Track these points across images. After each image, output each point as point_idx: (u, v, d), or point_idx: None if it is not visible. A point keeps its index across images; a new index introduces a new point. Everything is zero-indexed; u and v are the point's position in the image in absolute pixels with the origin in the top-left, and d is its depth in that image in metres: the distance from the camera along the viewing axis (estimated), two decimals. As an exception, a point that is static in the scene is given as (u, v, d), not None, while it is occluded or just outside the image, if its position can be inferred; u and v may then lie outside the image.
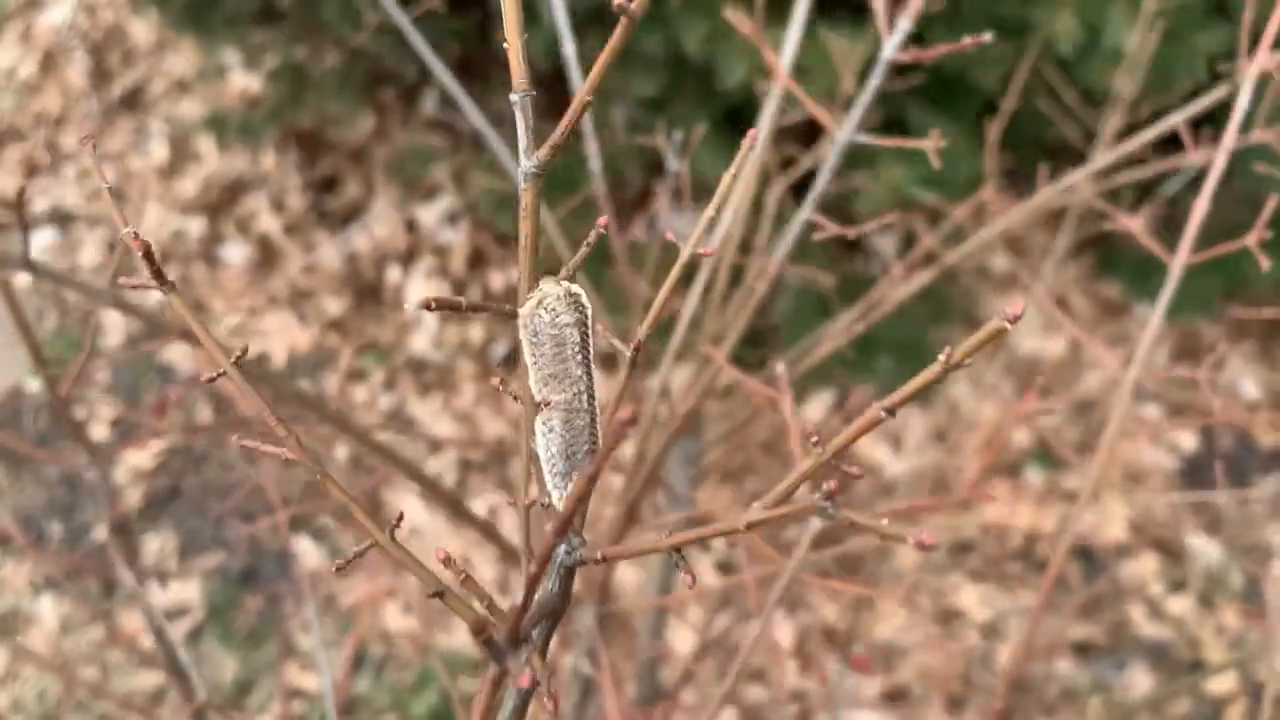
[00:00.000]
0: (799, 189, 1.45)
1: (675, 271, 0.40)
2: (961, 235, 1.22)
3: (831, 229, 0.78)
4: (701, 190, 1.36)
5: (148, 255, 0.36)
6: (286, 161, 2.73)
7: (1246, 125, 0.88)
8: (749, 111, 1.84)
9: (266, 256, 2.67)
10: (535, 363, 0.38)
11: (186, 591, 2.28)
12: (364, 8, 1.76)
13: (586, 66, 1.23)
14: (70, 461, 1.21)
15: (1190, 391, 2.29)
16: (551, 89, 2.05)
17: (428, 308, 0.36)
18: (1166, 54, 1.35)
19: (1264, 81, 0.86)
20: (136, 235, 0.36)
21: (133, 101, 2.89)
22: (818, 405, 2.43)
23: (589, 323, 0.38)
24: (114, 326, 2.58)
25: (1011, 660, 0.87)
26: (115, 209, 0.36)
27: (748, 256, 1.12)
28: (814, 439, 0.32)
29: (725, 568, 2.31)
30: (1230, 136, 0.84)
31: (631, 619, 1.95)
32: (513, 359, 2.55)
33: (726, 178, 0.41)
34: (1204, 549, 2.31)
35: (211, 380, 0.38)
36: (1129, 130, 1.19)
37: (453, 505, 0.93)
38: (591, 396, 0.38)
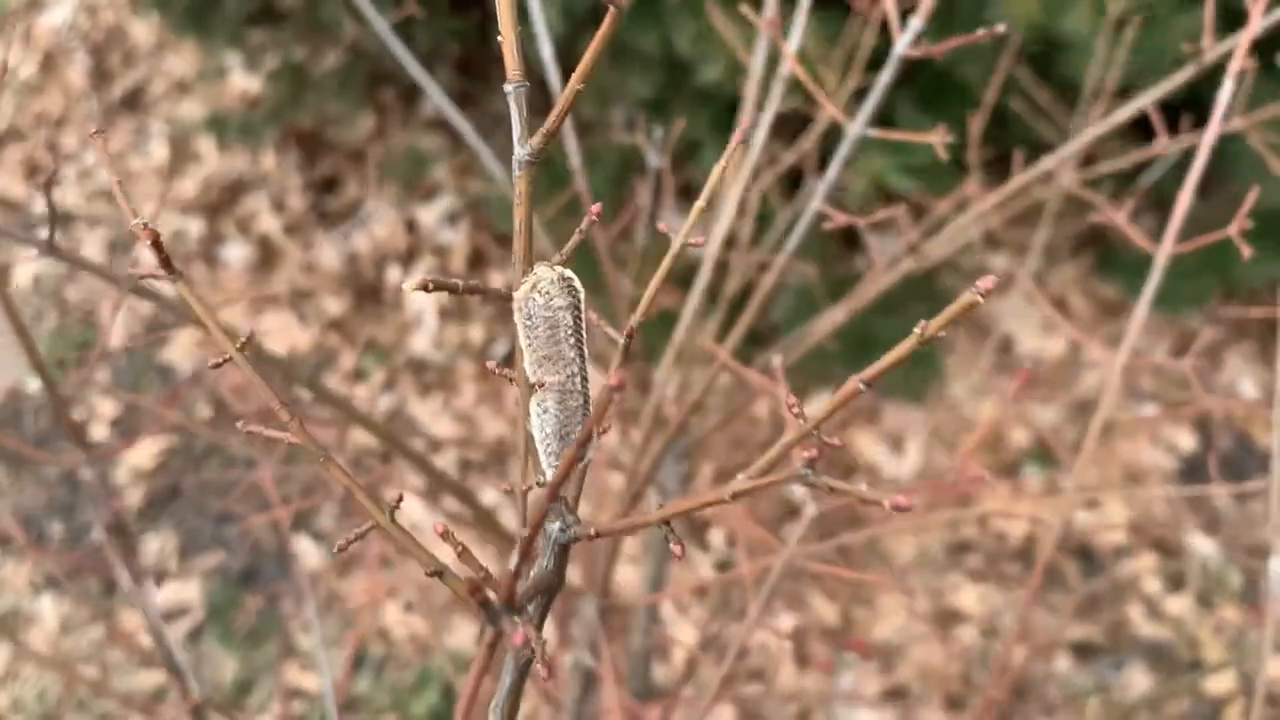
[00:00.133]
0: (785, 183, 1.46)
1: (667, 260, 0.40)
2: (944, 226, 1.22)
3: (840, 219, 0.79)
4: (698, 193, 1.37)
5: (156, 244, 0.37)
6: (286, 162, 2.74)
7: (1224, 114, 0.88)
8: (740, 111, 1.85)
9: (266, 256, 2.68)
10: (529, 345, 0.39)
11: (186, 591, 2.29)
12: (343, 13, 1.77)
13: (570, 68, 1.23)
14: (70, 461, 1.22)
15: (1188, 390, 2.30)
16: (545, 88, 2.06)
17: (425, 289, 0.36)
18: (1143, 41, 1.35)
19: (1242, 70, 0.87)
20: (146, 225, 0.37)
21: (133, 102, 2.90)
22: (817, 406, 2.44)
23: (582, 306, 0.39)
24: (114, 327, 2.59)
25: (1004, 649, 0.88)
26: (123, 200, 0.37)
27: (733, 251, 1.13)
28: (797, 411, 0.33)
29: (724, 568, 2.31)
30: (1214, 127, 0.85)
31: (628, 616, 1.96)
32: (513, 359, 2.56)
33: (716, 170, 0.42)
34: (1203, 548, 2.32)
35: (218, 366, 0.39)
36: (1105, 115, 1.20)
37: (455, 490, 0.94)
38: (585, 378, 0.39)
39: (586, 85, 0.36)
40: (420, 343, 2.56)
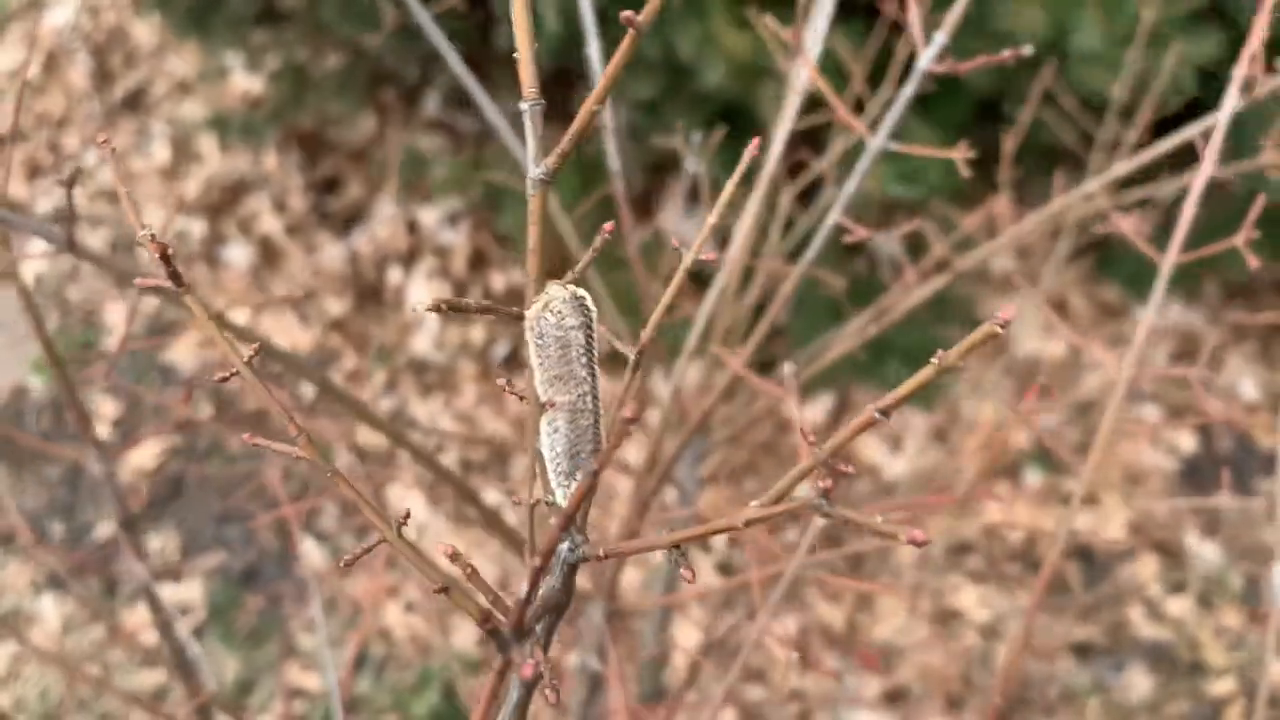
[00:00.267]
0: (803, 195, 1.46)
1: (678, 277, 0.40)
2: (970, 243, 1.23)
3: (860, 232, 0.79)
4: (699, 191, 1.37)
5: (164, 257, 0.37)
6: (288, 162, 2.74)
7: (1246, 138, 0.88)
8: (741, 114, 1.85)
9: (268, 257, 2.68)
10: (541, 364, 0.39)
11: (188, 591, 2.29)
12: (379, 7, 1.77)
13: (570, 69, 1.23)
14: (76, 457, 1.22)
15: (1190, 392, 2.30)
16: (551, 90, 2.06)
17: (438, 310, 0.36)
18: (1155, 58, 1.36)
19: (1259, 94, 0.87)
20: (153, 237, 0.37)
21: (135, 103, 2.90)
22: (818, 408, 2.44)
23: (594, 325, 0.39)
24: (116, 326, 2.59)
25: (1008, 657, 0.87)
26: (131, 210, 0.37)
27: (757, 258, 1.13)
28: (811, 439, 0.33)
29: (725, 569, 2.31)
30: (1214, 153, 0.85)
31: (633, 620, 1.96)
32: (513, 360, 2.56)
33: (730, 184, 0.42)
34: (1203, 550, 2.32)
35: (225, 380, 0.39)
36: (1139, 141, 1.20)
37: (462, 491, 0.94)
38: (596, 397, 0.39)
39: (601, 105, 0.36)
40: (421, 343, 2.56)
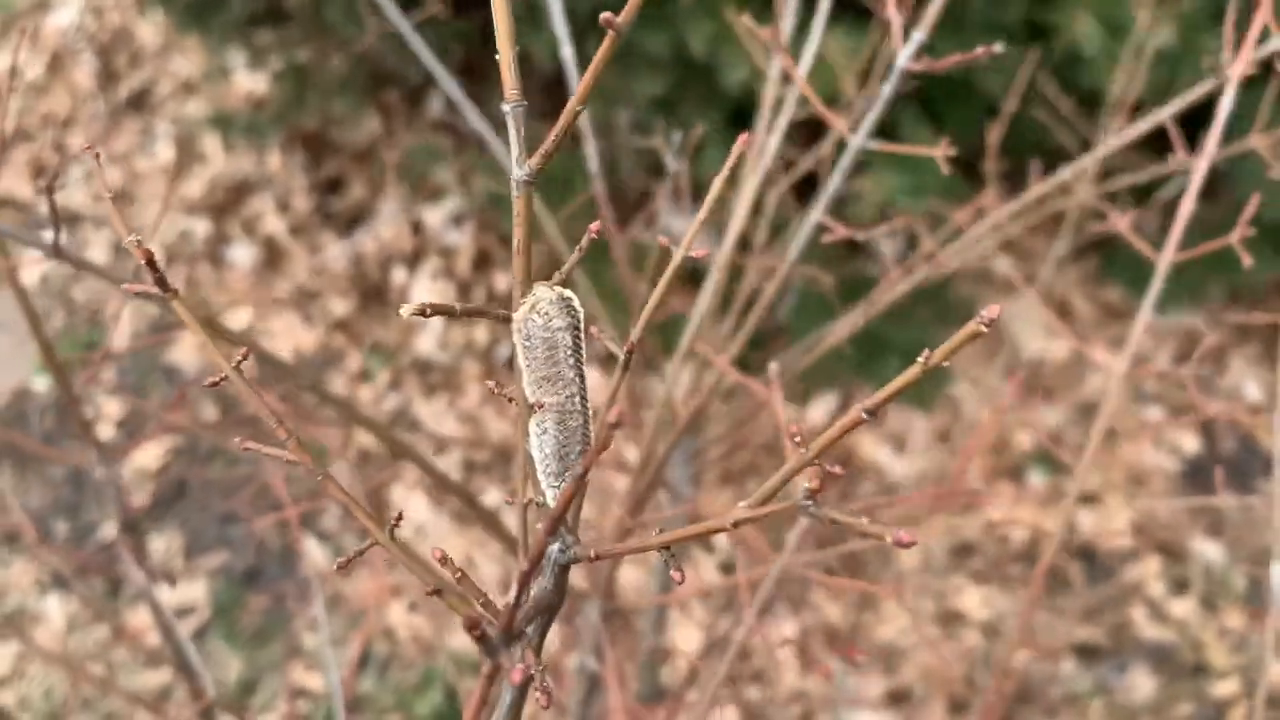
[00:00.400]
0: (800, 188, 1.46)
1: (667, 275, 0.40)
2: (959, 237, 1.22)
3: (840, 231, 0.79)
4: (706, 192, 1.37)
5: (150, 263, 0.37)
6: (292, 163, 2.75)
7: (1242, 128, 0.88)
8: (755, 112, 1.85)
9: (272, 257, 2.68)
10: (529, 365, 0.39)
11: (192, 591, 2.30)
12: (367, 12, 1.77)
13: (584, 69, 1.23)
14: (78, 459, 1.23)
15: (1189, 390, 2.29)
16: (553, 91, 2.06)
17: (423, 314, 0.36)
18: (1173, 54, 1.35)
19: (1257, 82, 0.87)
20: (139, 243, 0.37)
21: (139, 103, 2.91)
22: (822, 408, 2.44)
23: (581, 326, 0.39)
24: (120, 326, 2.60)
25: (1006, 650, 0.88)
26: (116, 216, 0.37)
27: (747, 254, 1.12)
28: (798, 438, 0.33)
29: (729, 569, 2.31)
30: (1214, 140, 0.85)
31: (634, 619, 1.96)
32: (516, 360, 2.56)
33: (718, 181, 0.42)
34: (1206, 551, 2.32)
35: (215, 384, 0.39)
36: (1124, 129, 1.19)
37: (460, 495, 0.94)
38: (584, 398, 0.39)
39: (585, 104, 0.36)
40: (425, 343, 2.56)
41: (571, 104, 0.36)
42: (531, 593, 0.37)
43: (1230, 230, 0.87)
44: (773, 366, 0.72)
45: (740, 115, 1.96)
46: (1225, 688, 2.15)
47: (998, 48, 0.77)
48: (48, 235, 0.87)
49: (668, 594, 1.27)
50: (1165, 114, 0.92)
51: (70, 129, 2.89)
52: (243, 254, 2.67)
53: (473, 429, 2.47)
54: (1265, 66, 0.86)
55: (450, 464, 2.41)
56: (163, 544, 2.34)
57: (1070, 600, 2.27)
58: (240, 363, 0.39)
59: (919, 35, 0.83)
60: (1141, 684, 2.18)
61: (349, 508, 0.37)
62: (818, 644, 2.18)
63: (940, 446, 2.42)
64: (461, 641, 2.23)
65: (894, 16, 0.81)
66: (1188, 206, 0.84)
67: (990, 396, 2.42)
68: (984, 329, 0.30)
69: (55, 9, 3.01)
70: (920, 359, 0.32)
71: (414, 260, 2.65)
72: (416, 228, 2.67)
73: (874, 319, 1.21)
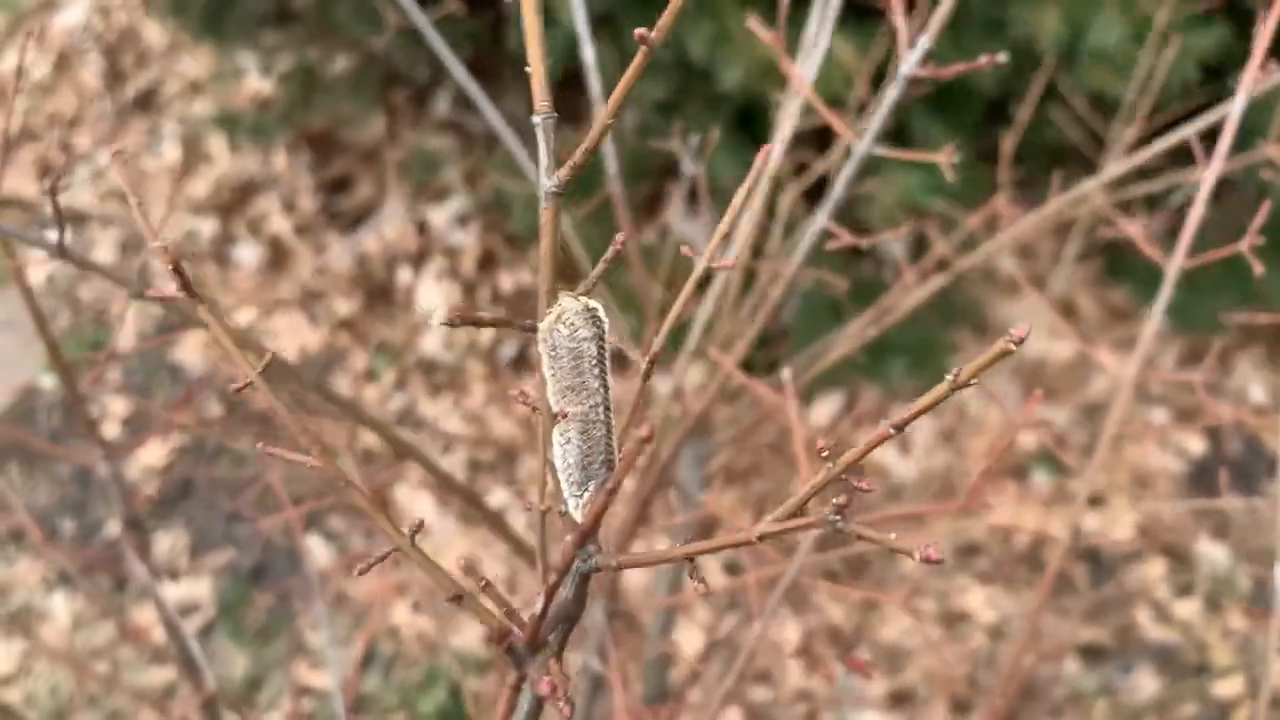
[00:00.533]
0: (810, 192, 1.47)
1: (690, 284, 0.41)
2: (973, 242, 1.23)
3: (846, 238, 0.79)
4: (714, 193, 1.38)
5: (178, 270, 0.37)
6: (298, 163, 2.75)
7: (1253, 137, 0.88)
8: (759, 115, 1.85)
9: (277, 257, 2.68)
10: (553, 375, 0.39)
11: (197, 589, 2.30)
12: (383, 9, 1.78)
13: (603, 74, 1.24)
14: (84, 458, 1.23)
15: (1198, 397, 2.30)
16: (560, 93, 2.06)
17: (454, 324, 0.37)
18: (1164, 56, 1.35)
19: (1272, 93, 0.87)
20: (166, 249, 0.37)
21: (146, 103, 2.91)
22: (826, 408, 2.44)
23: (606, 337, 0.40)
24: (126, 326, 2.60)
25: (1011, 656, 0.88)
26: (143, 221, 0.37)
27: (759, 260, 1.13)
28: (824, 453, 0.33)
29: (733, 569, 2.32)
30: (1224, 147, 0.85)
31: (639, 621, 1.96)
32: (521, 360, 2.56)
33: (740, 193, 0.42)
34: (1211, 553, 2.32)
35: (239, 390, 0.39)
36: (1140, 139, 1.20)
37: (465, 496, 0.95)
38: (608, 409, 0.40)
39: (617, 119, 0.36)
40: (430, 343, 2.56)
41: (602, 118, 0.37)
42: (553, 605, 0.37)
43: (1238, 235, 0.87)
44: (785, 372, 0.72)
45: (744, 117, 1.96)
46: (1229, 689, 2.16)
47: (1001, 57, 0.77)
48: (53, 235, 0.87)
49: (675, 595, 1.28)
50: (1191, 129, 0.92)
51: (77, 129, 2.90)
52: (248, 254, 2.67)
53: (478, 429, 2.47)
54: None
55: (455, 463, 2.41)
56: (168, 542, 2.35)
57: (1075, 601, 2.27)
58: (264, 369, 0.39)
59: (924, 42, 0.83)
60: (1145, 684, 2.19)
61: (370, 513, 0.37)
62: (821, 645, 2.18)
63: (945, 447, 2.42)
64: (465, 640, 2.24)
65: (900, 25, 0.81)
66: (1197, 213, 0.84)
67: (995, 397, 2.42)
68: (1013, 348, 0.31)
69: (62, 9, 3.01)
70: (949, 376, 0.33)
71: (419, 260, 2.66)
72: (422, 228, 2.68)
73: (876, 322, 1.21)
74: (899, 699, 2.19)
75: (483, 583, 0.33)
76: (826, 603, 2.26)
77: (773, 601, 0.74)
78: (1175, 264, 0.86)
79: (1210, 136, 0.93)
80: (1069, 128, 1.54)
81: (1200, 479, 2.40)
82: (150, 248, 0.37)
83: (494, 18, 2.15)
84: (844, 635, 2.23)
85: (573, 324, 0.39)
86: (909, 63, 0.83)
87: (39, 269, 2.67)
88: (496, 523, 1.01)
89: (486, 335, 2.58)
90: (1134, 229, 0.86)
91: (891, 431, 0.34)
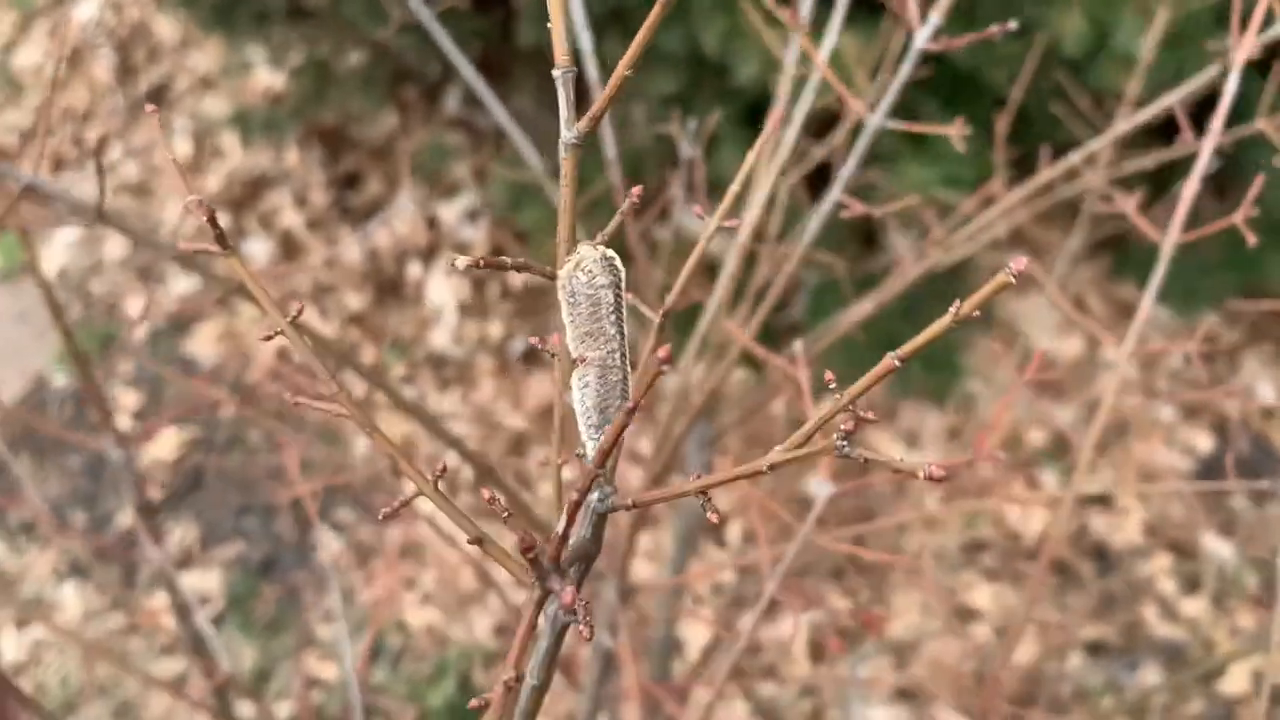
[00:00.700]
0: (814, 182, 1.48)
1: (702, 242, 0.42)
2: (969, 224, 1.24)
3: (858, 208, 0.81)
4: (719, 188, 1.39)
5: (212, 220, 0.38)
6: (309, 158, 2.77)
7: (1248, 113, 0.89)
8: (767, 108, 1.86)
9: (289, 251, 2.70)
10: (572, 321, 0.41)
11: (207, 581, 2.32)
12: (389, 4, 1.79)
13: (606, 65, 1.25)
14: (97, 446, 1.24)
15: (1204, 389, 2.30)
16: (581, 80, 2.07)
17: (477, 266, 0.38)
18: (1175, 57, 1.36)
19: (1262, 67, 0.88)
20: (201, 201, 0.38)
21: (158, 98, 2.93)
22: (830, 406, 2.45)
23: (623, 285, 0.41)
24: (137, 319, 2.62)
25: (1010, 638, 0.89)
26: (182, 174, 0.38)
27: (761, 244, 1.14)
28: (832, 384, 0.35)
29: (743, 570, 2.33)
30: (1219, 121, 0.86)
31: (647, 613, 1.97)
32: (531, 355, 2.58)
33: (751, 155, 0.43)
34: (1219, 550, 2.32)
35: (269, 339, 0.40)
36: (1145, 131, 1.20)
37: (481, 468, 0.96)
38: (624, 354, 0.41)
39: (634, 72, 0.38)
40: (440, 338, 2.58)
41: (621, 66, 0.38)
42: (570, 543, 0.38)
43: (1242, 226, 0.88)
44: (796, 344, 0.73)
45: (754, 112, 1.97)
46: (1235, 686, 2.16)
47: (1012, 24, 0.79)
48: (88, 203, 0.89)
49: (683, 575, 1.29)
50: (1173, 98, 0.93)
51: (89, 123, 2.92)
52: (260, 248, 2.69)
53: (486, 423, 2.49)
54: (1270, 51, 0.87)
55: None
56: (178, 535, 2.36)
57: (1081, 598, 2.28)
58: (296, 317, 0.40)
59: (935, 17, 0.84)
60: (1152, 681, 2.19)
61: (395, 455, 0.39)
62: (830, 639, 2.19)
63: (953, 443, 2.43)
64: (475, 634, 2.25)
65: (912, 3, 0.83)
66: (1191, 187, 0.85)
67: (1003, 392, 2.43)
68: (1013, 280, 0.32)
69: (75, 4, 3.04)
70: (951, 310, 0.34)
71: (429, 255, 2.67)
72: (432, 223, 2.69)
73: (885, 314, 1.22)
74: (906, 693, 2.20)
75: (506, 514, 0.34)
76: (835, 598, 2.27)
77: (781, 568, 0.75)
78: (1170, 239, 0.87)
79: (1202, 112, 0.94)
80: (1069, 118, 1.55)
81: (1208, 476, 2.40)
82: (187, 201, 0.38)
83: (504, 15, 2.16)
84: (853, 631, 2.24)
85: (591, 271, 0.40)
86: (921, 37, 0.85)
87: (52, 262, 2.69)
88: (510, 498, 1.03)
89: (496, 330, 2.59)
90: (1129, 203, 0.88)
91: (896, 363, 0.35)
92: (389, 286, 2.66)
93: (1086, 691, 2.18)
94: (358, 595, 2.27)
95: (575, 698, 1.15)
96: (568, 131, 0.39)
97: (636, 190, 0.42)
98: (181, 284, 2.66)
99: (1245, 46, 0.85)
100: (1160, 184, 1.42)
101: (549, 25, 0.41)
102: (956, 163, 1.73)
